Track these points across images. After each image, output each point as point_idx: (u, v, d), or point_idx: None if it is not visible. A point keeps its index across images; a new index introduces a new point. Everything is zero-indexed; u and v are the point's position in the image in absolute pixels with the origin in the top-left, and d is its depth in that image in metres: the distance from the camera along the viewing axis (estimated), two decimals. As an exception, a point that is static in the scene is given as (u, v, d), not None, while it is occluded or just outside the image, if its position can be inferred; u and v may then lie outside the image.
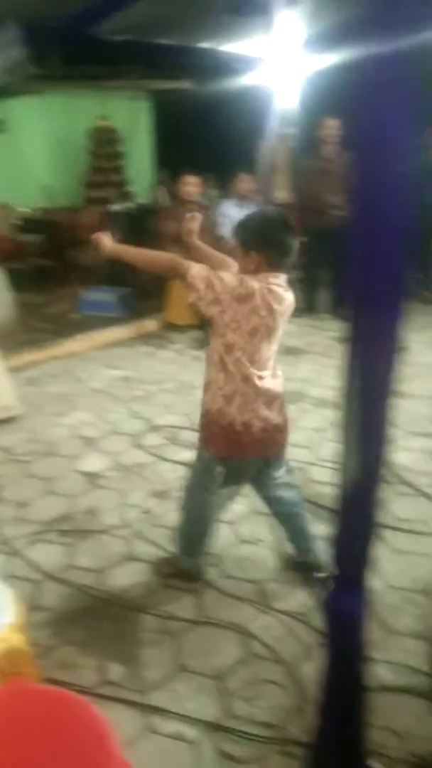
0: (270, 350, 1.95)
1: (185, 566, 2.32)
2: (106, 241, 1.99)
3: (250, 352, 1.90)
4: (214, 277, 1.82)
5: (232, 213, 4.85)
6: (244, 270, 1.92)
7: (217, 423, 2.00)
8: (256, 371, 1.93)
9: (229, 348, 1.91)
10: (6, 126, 7.88)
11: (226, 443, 2.02)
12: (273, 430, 2.02)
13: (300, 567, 2.35)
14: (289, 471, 2.24)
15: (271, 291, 1.84)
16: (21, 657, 1.52)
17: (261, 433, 1.99)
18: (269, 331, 1.88)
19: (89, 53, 6.03)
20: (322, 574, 1.68)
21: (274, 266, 1.88)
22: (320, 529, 2.57)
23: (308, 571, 2.29)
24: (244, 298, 1.81)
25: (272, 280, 1.87)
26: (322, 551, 2.27)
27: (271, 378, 1.99)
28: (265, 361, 1.95)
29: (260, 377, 1.95)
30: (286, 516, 2.29)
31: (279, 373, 2.04)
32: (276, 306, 1.85)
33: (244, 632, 2.08)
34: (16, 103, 7.54)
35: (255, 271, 1.88)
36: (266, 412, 1.98)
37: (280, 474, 2.19)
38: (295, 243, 1.90)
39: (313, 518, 2.66)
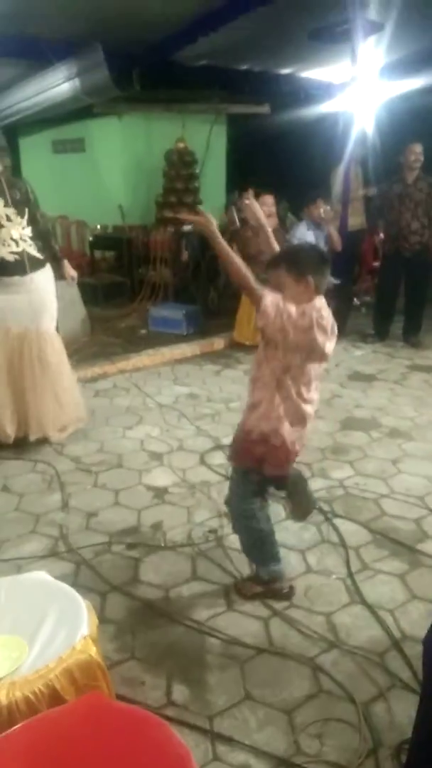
0: (318, 371, 2.13)
1: (269, 575, 2.31)
2: (211, 219, 2.05)
3: (304, 373, 2.07)
4: (283, 307, 1.96)
5: (306, 236, 4.84)
6: (296, 294, 2.01)
7: (271, 443, 2.11)
8: (305, 391, 2.10)
9: (286, 369, 2.06)
10: (85, 145, 8.19)
11: (283, 463, 2.16)
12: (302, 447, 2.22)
13: None
14: None
15: (322, 317, 1.99)
16: (96, 670, 1.51)
17: (298, 450, 2.18)
18: (321, 355, 2.05)
19: (170, 77, 6.22)
20: None
21: (318, 290, 2.03)
22: (394, 566, 2.49)
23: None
24: (304, 329, 1.97)
25: (321, 304, 2.02)
26: None
27: (314, 393, 2.15)
28: (313, 381, 2.13)
29: (308, 397, 2.12)
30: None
31: (317, 393, 2.19)
32: (329, 329, 2.02)
33: (312, 666, 2.01)
34: (96, 123, 7.82)
35: (307, 294, 2.00)
36: (305, 431, 2.17)
37: None
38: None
39: (387, 554, 2.58)
